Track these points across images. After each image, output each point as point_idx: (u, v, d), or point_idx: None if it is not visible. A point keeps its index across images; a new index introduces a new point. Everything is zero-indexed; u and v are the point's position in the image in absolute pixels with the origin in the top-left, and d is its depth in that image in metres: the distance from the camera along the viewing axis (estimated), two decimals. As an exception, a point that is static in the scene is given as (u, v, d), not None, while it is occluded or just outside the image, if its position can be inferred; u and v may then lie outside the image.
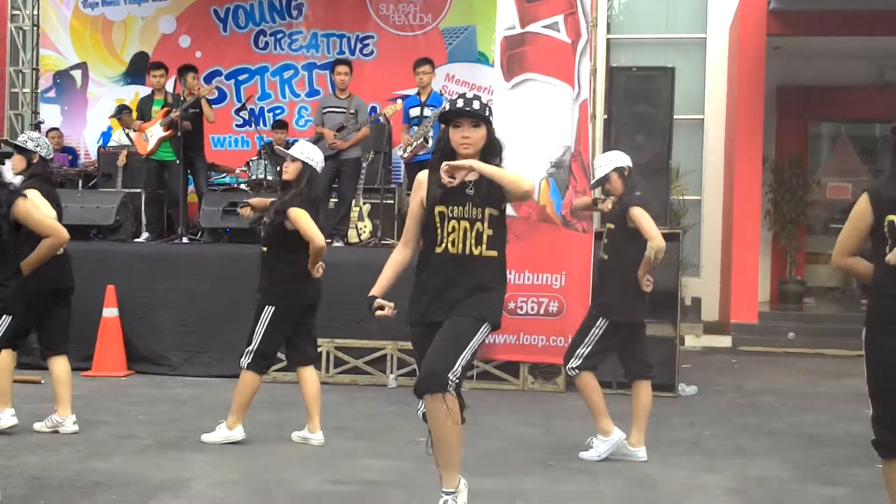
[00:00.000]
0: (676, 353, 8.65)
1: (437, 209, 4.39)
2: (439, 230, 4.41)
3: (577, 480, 5.63)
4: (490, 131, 4.44)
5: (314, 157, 6.42)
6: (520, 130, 8.24)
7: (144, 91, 12.65)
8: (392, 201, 10.84)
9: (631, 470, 5.71)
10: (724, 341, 12.43)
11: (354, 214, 10.37)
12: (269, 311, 6.34)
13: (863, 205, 4.11)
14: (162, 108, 10.54)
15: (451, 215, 4.38)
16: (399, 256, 4.67)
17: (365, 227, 10.39)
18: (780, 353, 11.71)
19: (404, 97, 10.57)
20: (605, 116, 9.68)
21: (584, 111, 8.76)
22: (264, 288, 6.47)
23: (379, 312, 4.53)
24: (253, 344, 6.32)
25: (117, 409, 7.42)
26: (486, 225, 4.39)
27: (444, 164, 4.22)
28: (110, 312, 9.07)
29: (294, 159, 6.37)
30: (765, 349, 11.88)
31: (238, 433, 6.37)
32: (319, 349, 8.97)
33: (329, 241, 10.19)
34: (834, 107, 14.32)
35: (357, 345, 9.00)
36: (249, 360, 6.34)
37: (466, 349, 4.36)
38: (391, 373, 8.91)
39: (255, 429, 6.89)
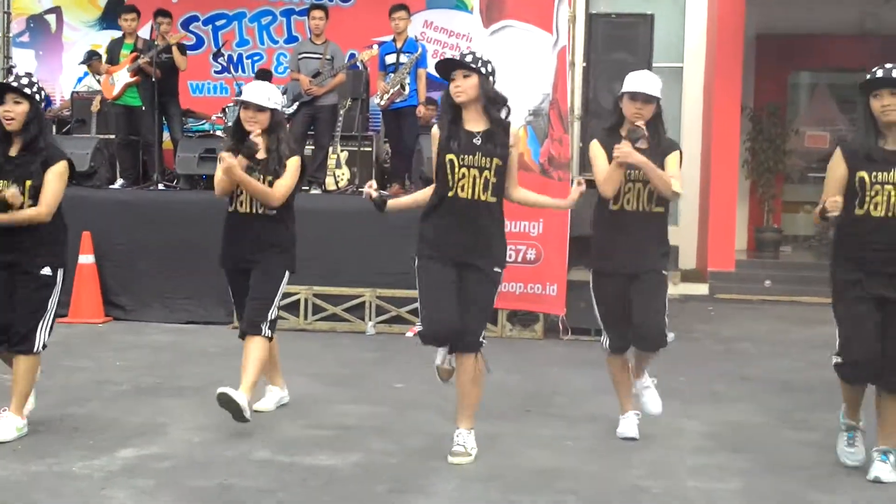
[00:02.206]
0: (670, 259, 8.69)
1: (448, 157, 4.83)
2: (450, 177, 4.82)
3: (553, 426, 5.68)
4: (483, 83, 4.83)
5: (279, 99, 5.64)
6: (499, 77, 8.18)
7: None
8: (370, 149, 10.77)
9: (606, 416, 5.76)
10: (702, 289, 12.49)
11: (332, 162, 10.31)
12: (286, 277, 5.62)
13: (836, 160, 4.78)
14: (131, 52, 10.41)
15: (460, 164, 4.82)
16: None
17: (343, 174, 10.34)
18: (756, 301, 11.80)
19: (381, 44, 10.48)
20: (584, 64, 9.61)
21: (562, 58, 8.71)
22: (279, 250, 5.58)
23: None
24: (272, 312, 5.49)
25: (94, 356, 7.40)
26: (492, 173, 4.83)
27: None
28: (86, 259, 9.03)
29: (262, 108, 5.41)
30: (741, 297, 11.96)
31: (285, 392, 6.09)
32: (297, 296, 8.99)
33: (306, 188, 10.16)
34: (813, 55, 14.28)
35: (335, 292, 8.99)
36: (270, 330, 5.50)
37: (489, 311, 5.08)
38: (369, 320, 8.92)
39: (233, 374, 6.87)
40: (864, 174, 4.63)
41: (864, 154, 4.66)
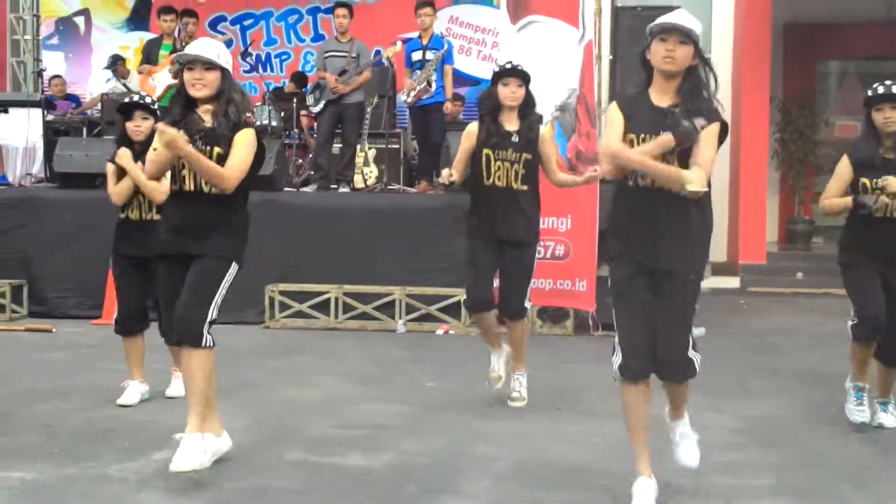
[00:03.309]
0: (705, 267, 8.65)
1: (485, 152, 5.73)
2: (485, 168, 5.74)
3: (583, 422, 5.67)
4: (528, 90, 5.77)
5: (229, 58, 4.67)
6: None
7: (149, 37, 12.58)
8: (397, 146, 10.79)
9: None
10: (733, 282, 12.44)
11: (360, 160, 10.34)
12: (232, 271, 4.65)
13: (844, 164, 5.43)
14: (170, 53, 10.49)
15: (495, 157, 5.73)
16: None
17: (371, 172, 10.37)
18: (788, 294, 11.73)
19: (406, 40, 10.50)
20: (611, 57, 9.60)
21: (588, 53, 8.68)
22: (226, 237, 4.65)
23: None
24: (212, 312, 4.53)
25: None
26: (521, 166, 5.73)
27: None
28: (119, 260, 9.08)
29: (211, 65, 4.50)
30: (773, 290, 11.90)
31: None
32: (328, 295, 9.03)
33: (335, 186, 10.22)
34: (842, 44, 14.16)
35: (365, 290, 9.03)
36: (210, 336, 4.54)
37: (530, 282, 5.91)
38: (400, 318, 8.94)
39: (264, 375, 6.95)
40: (865, 180, 5.31)
41: (868, 161, 5.31)
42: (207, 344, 4.44)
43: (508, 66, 5.79)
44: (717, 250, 13.51)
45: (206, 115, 4.53)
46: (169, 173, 4.61)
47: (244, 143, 4.51)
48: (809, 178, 14.31)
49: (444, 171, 5.82)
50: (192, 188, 4.52)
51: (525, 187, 5.77)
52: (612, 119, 4.07)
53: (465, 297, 6.23)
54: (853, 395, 5.60)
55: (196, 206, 4.53)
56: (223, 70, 4.50)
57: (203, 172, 4.42)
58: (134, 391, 6.02)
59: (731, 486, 4.55)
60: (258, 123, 10.92)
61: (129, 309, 5.98)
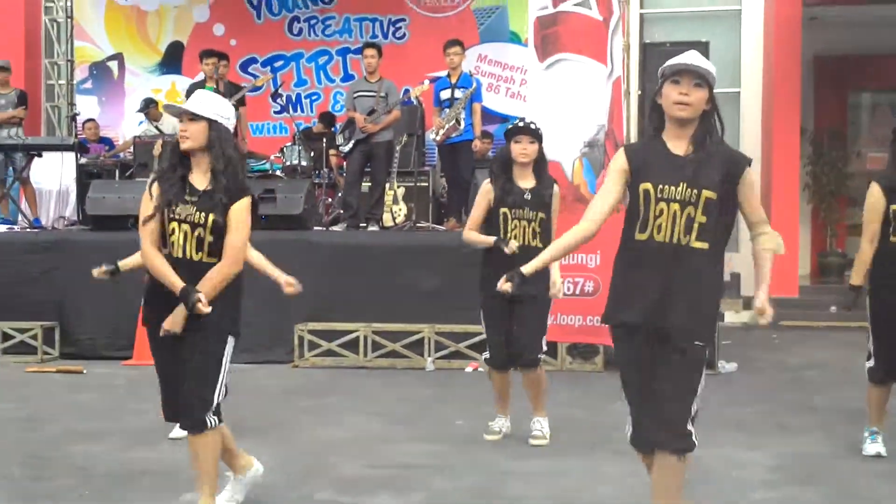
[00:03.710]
0: (716, 330, 8.58)
1: (502, 210, 5.84)
2: (502, 226, 5.84)
3: (617, 461, 5.60)
4: (540, 148, 5.86)
5: (225, 112, 4.32)
6: (554, 111, 8.21)
7: (181, 80, 12.76)
8: (426, 184, 10.83)
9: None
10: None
11: (389, 198, 10.37)
12: (231, 346, 4.35)
13: (876, 194, 5.62)
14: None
15: (512, 216, 5.84)
16: None
17: (400, 210, 10.39)
18: (821, 328, 11.59)
19: (434, 79, 10.55)
20: (640, 92, 9.61)
21: (617, 89, 8.69)
22: (219, 310, 4.20)
23: None
24: (217, 395, 4.29)
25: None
26: (537, 224, 5.81)
27: None
28: (150, 301, 9.14)
29: (195, 117, 4.21)
30: (806, 323, 11.75)
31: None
32: (356, 333, 9.02)
33: (364, 225, 10.25)
34: (872, 76, 14.07)
35: (394, 328, 9.02)
36: (216, 417, 4.32)
37: (544, 333, 5.98)
38: (429, 356, 8.92)
39: (294, 414, 6.94)
40: (895, 206, 5.49)
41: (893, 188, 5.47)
42: (213, 426, 4.24)
43: (521, 123, 5.89)
44: (750, 284, 13.39)
45: (198, 171, 4.24)
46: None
47: (242, 221, 4.23)
48: (841, 211, 14.18)
49: (512, 244, 5.73)
50: (182, 254, 4.20)
51: (541, 245, 5.71)
52: (613, 171, 3.78)
53: (486, 353, 6.14)
54: (868, 438, 5.73)
55: (188, 274, 4.17)
56: (210, 122, 4.19)
57: (220, 287, 4.18)
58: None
59: (767, 524, 4.48)
60: (287, 164, 10.99)
61: None
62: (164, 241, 4.24)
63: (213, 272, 4.16)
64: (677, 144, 3.69)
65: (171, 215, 4.18)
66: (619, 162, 3.76)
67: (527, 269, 3.97)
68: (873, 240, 5.66)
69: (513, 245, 5.72)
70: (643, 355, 3.72)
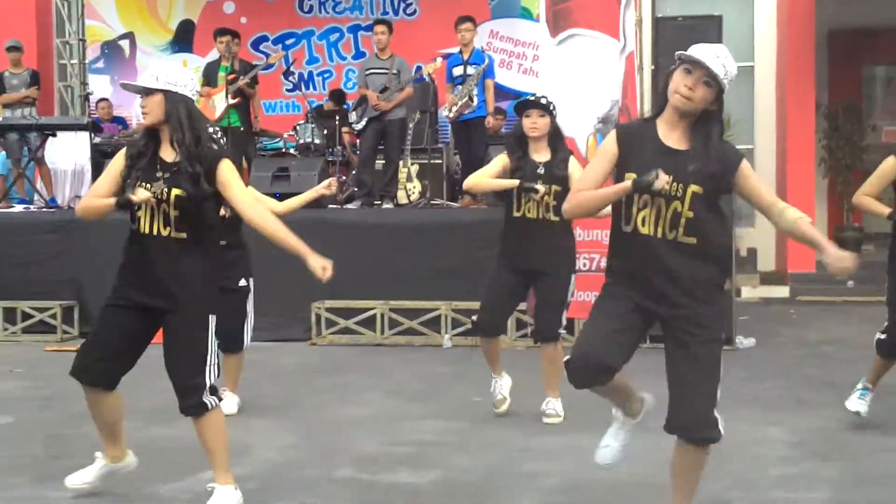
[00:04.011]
0: (733, 306, 8.56)
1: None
2: (516, 200, 5.78)
3: (635, 436, 5.60)
4: (553, 122, 5.80)
5: (182, 80, 4.21)
6: (567, 86, 8.18)
7: (192, 59, 12.72)
8: (440, 161, 10.80)
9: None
10: (782, 291, 12.30)
11: (403, 175, 10.36)
12: (213, 323, 4.28)
13: (889, 165, 5.62)
14: (228, 74, 10.57)
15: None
16: None
17: (414, 187, 10.38)
18: (839, 302, 11.56)
19: (446, 56, 10.51)
20: (653, 67, 9.54)
21: (630, 63, 8.65)
22: (205, 289, 4.28)
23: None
24: (210, 375, 4.26)
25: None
26: (551, 197, 5.68)
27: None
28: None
29: (149, 91, 4.14)
30: (824, 298, 11.73)
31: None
32: (374, 311, 9.03)
33: (378, 202, 10.24)
34: (887, 49, 13.99)
35: (411, 306, 9.03)
36: (214, 397, 4.32)
37: (564, 308, 5.89)
38: (446, 333, 8.93)
39: (312, 392, 6.97)
40: None
41: None
42: (212, 407, 4.23)
43: (531, 97, 5.91)
44: (766, 259, 13.38)
45: (165, 145, 4.19)
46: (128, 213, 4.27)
47: (229, 178, 4.15)
48: (857, 185, 14.05)
49: (540, 187, 5.68)
50: (149, 230, 4.18)
51: (557, 218, 5.69)
52: (602, 153, 3.72)
53: (475, 317, 6.09)
54: (858, 391, 5.82)
55: (157, 250, 4.17)
56: (165, 93, 4.09)
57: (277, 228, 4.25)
58: (231, 402, 6.15)
59: (787, 499, 4.48)
60: (300, 141, 10.98)
61: None
62: (132, 217, 4.23)
63: (269, 222, 4.20)
64: (670, 134, 3.59)
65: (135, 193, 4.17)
66: (609, 144, 3.68)
67: None
68: (870, 194, 5.83)
69: (541, 188, 5.67)
70: (636, 313, 3.67)
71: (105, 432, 4.56)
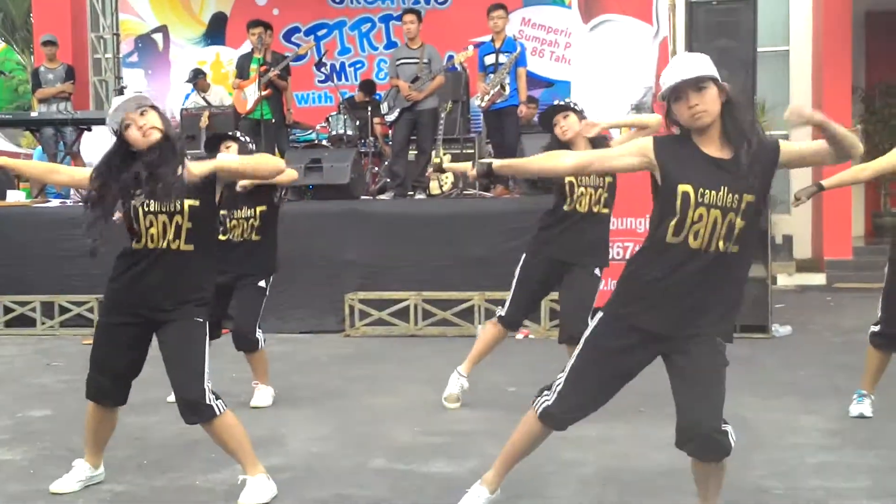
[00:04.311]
0: (769, 293, 8.49)
1: (568, 179, 5.71)
2: (568, 194, 5.78)
3: (666, 426, 5.55)
4: (582, 117, 5.71)
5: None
6: (600, 73, 8.16)
7: (225, 51, 12.77)
8: (472, 150, 10.79)
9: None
10: (819, 279, 12.19)
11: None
12: (206, 331, 4.45)
13: None
14: (260, 66, 10.61)
15: (578, 183, 5.73)
16: None
17: (446, 178, 10.37)
18: (876, 289, 11.30)
19: (478, 45, 10.48)
20: (687, 52, 9.46)
21: (664, 49, 8.61)
22: (203, 301, 4.42)
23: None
24: (207, 383, 4.35)
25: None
26: (605, 190, 5.77)
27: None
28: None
29: (153, 106, 4.30)
30: (861, 285, 11.60)
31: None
32: (407, 302, 9.05)
33: (411, 193, 10.24)
34: (926, 30, 13.79)
35: (444, 297, 9.03)
36: (219, 403, 4.38)
37: (593, 303, 5.80)
38: (479, 323, 8.92)
39: (347, 383, 6.99)
40: None
41: None
42: (221, 411, 4.27)
43: (559, 103, 5.89)
44: (802, 246, 13.26)
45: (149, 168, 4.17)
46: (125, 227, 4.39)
47: (225, 157, 4.46)
48: (896, 170, 13.93)
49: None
50: (159, 244, 4.25)
51: (606, 210, 5.79)
52: (635, 147, 3.61)
53: (501, 310, 6.10)
54: (855, 399, 5.76)
55: (167, 264, 4.25)
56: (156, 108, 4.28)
57: (262, 164, 4.41)
58: (266, 394, 6.25)
59: (825, 488, 4.43)
60: (333, 133, 11.01)
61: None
62: (136, 235, 4.29)
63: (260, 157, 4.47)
64: (709, 147, 3.49)
65: (146, 209, 4.20)
66: (643, 145, 3.58)
67: (498, 163, 3.91)
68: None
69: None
70: (632, 357, 3.64)
71: (98, 444, 4.68)
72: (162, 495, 4.51)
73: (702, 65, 3.45)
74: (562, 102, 5.86)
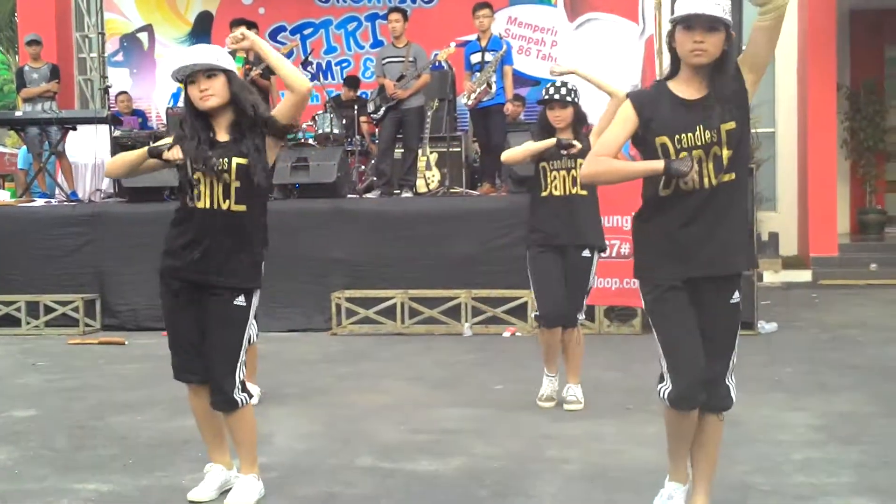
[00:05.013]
0: (755, 290, 8.52)
1: (541, 165, 5.82)
2: (542, 179, 5.83)
3: (654, 423, 5.57)
4: (576, 110, 5.81)
5: (231, 61, 4.24)
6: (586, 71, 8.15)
7: (210, 51, 12.74)
8: (459, 149, 10.78)
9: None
10: (804, 276, 12.23)
11: (422, 164, 10.35)
12: (255, 305, 4.31)
13: None
14: (243, 65, 10.59)
15: (550, 167, 5.80)
16: None
17: (433, 176, 10.36)
18: (862, 286, 11.49)
19: (464, 43, 10.48)
20: (673, 51, 9.48)
21: (650, 47, 8.61)
22: (246, 271, 4.23)
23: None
24: (241, 368, 4.23)
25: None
26: (577, 170, 5.68)
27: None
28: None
29: (213, 71, 4.06)
30: (846, 282, 11.66)
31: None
32: (394, 300, 9.04)
33: (398, 191, 10.23)
34: (911, 29, 13.85)
35: (431, 295, 9.03)
36: (246, 394, 4.30)
37: (589, 288, 5.91)
38: (466, 321, 8.93)
39: (334, 381, 6.98)
40: None
41: None
42: (244, 403, 4.22)
43: (552, 91, 5.81)
44: (788, 244, 13.30)
45: (221, 130, 4.11)
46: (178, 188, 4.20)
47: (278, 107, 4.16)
48: (880, 167, 14.02)
49: (574, 143, 5.68)
50: (209, 204, 4.07)
51: (584, 192, 5.78)
52: (620, 119, 3.61)
53: (535, 310, 6.09)
54: None
55: (218, 224, 4.08)
56: (227, 73, 4.07)
57: (286, 68, 4.14)
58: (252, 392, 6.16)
59: (810, 484, 4.45)
60: (319, 132, 10.99)
61: None
62: (189, 194, 4.08)
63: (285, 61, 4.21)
64: (686, 90, 3.54)
65: (195, 166, 4.04)
66: (626, 111, 3.59)
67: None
68: None
69: (577, 143, 5.66)
70: (688, 310, 3.60)
71: (216, 436, 4.42)
72: (148, 495, 4.49)
73: (722, 8, 3.42)
74: (564, 90, 5.78)
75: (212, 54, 4.07)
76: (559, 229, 5.79)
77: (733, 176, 3.53)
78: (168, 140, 4.17)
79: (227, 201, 4.08)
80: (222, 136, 4.11)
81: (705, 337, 3.61)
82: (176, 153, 4.05)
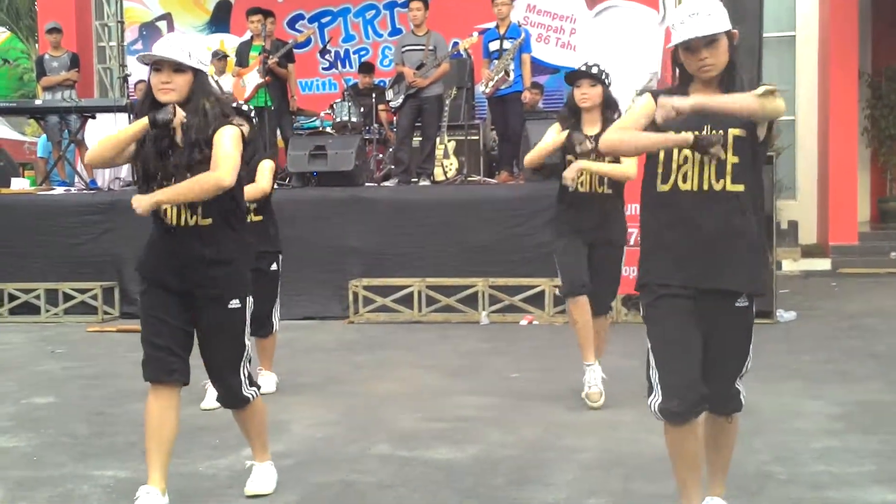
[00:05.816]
0: (774, 279, 8.47)
1: (568, 157, 5.58)
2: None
3: (673, 411, 5.56)
4: (605, 92, 5.56)
5: (204, 56, 4.00)
6: (606, 59, 8.10)
7: (230, 39, 12.73)
8: (477, 137, 10.75)
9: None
10: (824, 264, 12.15)
11: (439, 152, 10.33)
12: (250, 307, 4.12)
13: None
14: (259, 54, 10.61)
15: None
16: None
17: (451, 164, 10.34)
18: (882, 274, 11.41)
19: (482, 31, 10.44)
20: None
21: (669, 35, 8.54)
22: (239, 274, 4.07)
23: None
24: (245, 366, 4.10)
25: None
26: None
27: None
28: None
29: (180, 67, 3.82)
30: (866, 270, 11.58)
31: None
32: (411, 288, 9.04)
33: (415, 179, 10.23)
34: (933, 15, 13.71)
35: (448, 283, 9.02)
36: (255, 388, 4.20)
37: (618, 283, 5.88)
38: (483, 310, 8.92)
39: (351, 370, 6.99)
40: None
41: None
42: (253, 398, 4.13)
43: (583, 67, 5.60)
44: (808, 231, 13.22)
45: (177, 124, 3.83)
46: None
47: (226, 138, 3.79)
48: (900, 154, 13.90)
49: (587, 144, 5.46)
50: (177, 221, 3.87)
51: (609, 190, 5.61)
52: (638, 113, 3.46)
53: (559, 286, 5.94)
54: None
55: (186, 240, 3.89)
56: (195, 72, 3.84)
57: (194, 193, 3.74)
58: (269, 380, 6.25)
59: (829, 473, 4.42)
60: (337, 120, 10.98)
61: None
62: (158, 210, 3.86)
63: (191, 183, 3.73)
64: (702, 94, 3.39)
65: (164, 184, 3.81)
66: (647, 106, 3.43)
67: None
68: None
69: (587, 144, 5.47)
70: (689, 317, 3.42)
71: (160, 451, 3.97)
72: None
73: (715, 20, 3.35)
74: (596, 68, 5.54)
75: (184, 49, 3.82)
76: (587, 224, 5.63)
77: (741, 188, 3.36)
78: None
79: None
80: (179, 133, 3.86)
81: (712, 345, 3.45)
82: (181, 115, 3.81)
